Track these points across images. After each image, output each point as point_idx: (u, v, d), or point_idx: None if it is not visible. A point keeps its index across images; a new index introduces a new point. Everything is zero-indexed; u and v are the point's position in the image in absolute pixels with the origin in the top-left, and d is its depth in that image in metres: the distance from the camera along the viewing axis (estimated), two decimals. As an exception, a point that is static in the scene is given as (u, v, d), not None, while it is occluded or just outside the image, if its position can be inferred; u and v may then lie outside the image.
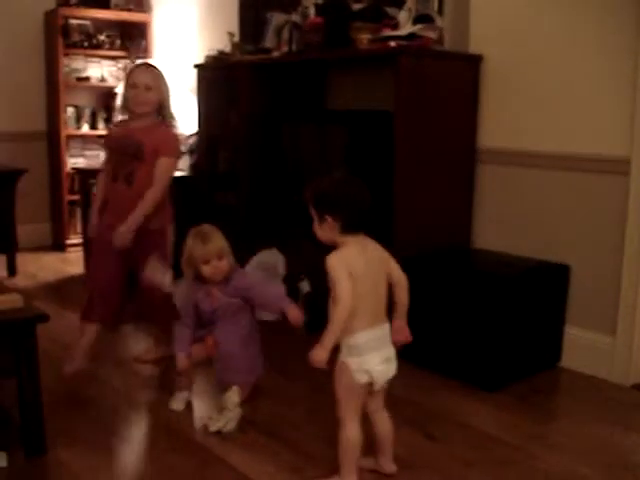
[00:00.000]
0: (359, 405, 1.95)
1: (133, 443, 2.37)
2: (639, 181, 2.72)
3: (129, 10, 5.40)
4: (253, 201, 3.87)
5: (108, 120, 5.33)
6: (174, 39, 5.21)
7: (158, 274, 2.63)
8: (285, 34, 3.64)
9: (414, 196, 3.06)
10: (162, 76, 2.74)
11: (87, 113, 5.40)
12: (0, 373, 2.19)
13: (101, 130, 5.32)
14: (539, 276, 2.91)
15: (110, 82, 5.37)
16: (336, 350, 1.90)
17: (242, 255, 2.57)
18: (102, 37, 5.36)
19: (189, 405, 2.60)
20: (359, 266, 1.88)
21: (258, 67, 3.78)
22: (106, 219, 2.73)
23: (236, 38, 4.21)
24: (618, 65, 2.74)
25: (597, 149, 2.85)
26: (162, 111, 2.73)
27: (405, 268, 2.03)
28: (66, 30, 5.13)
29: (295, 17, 3.63)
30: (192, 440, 2.35)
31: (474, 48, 3.22)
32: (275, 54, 3.71)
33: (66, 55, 5.15)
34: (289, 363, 2.96)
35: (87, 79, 5.31)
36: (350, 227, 1.91)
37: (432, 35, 3.07)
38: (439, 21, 3.15)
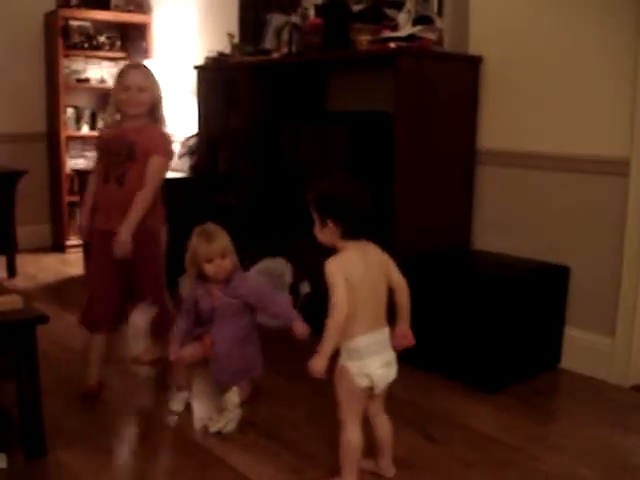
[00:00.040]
0: (360, 409, 1.95)
1: (133, 444, 2.37)
2: (639, 182, 2.72)
3: (129, 11, 5.40)
4: (253, 202, 3.87)
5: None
6: (174, 40, 5.21)
7: (143, 319, 2.65)
8: (285, 35, 3.64)
9: (414, 197, 3.06)
10: (154, 77, 2.71)
11: (87, 114, 5.40)
12: (0, 374, 2.19)
13: (101, 131, 5.32)
14: (539, 277, 2.91)
15: (110, 83, 5.34)
16: (336, 355, 1.91)
17: (242, 256, 2.56)
18: (102, 38, 5.36)
19: (188, 406, 2.60)
20: (359, 271, 1.88)
21: (258, 68, 3.78)
22: (97, 221, 2.70)
23: (236, 39, 4.21)
24: (618, 65, 2.74)
25: (597, 150, 2.85)
26: (154, 112, 2.70)
27: (405, 269, 2.04)
28: (66, 31, 5.13)
29: (295, 18, 3.63)
30: (192, 441, 2.35)
31: (474, 49, 3.23)
32: (275, 55, 3.71)
33: (66, 56, 5.15)
34: (289, 364, 2.96)
35: (87, 80, 5.32)
36: (351, 233, 1.91)
37: (432, 36, 3.07)
38: (439, 22, 3.15)
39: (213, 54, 4.10)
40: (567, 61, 2.91)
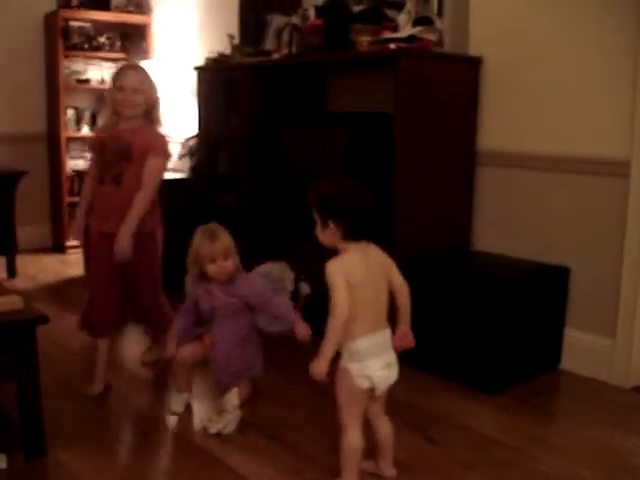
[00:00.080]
0: (360, 410, 1.95)
1: (132, 445, 2.37)
2: (639, 183, 2.72)
3: (129, 12, 5.40)
4: (253, 203, 3.87)
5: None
6: (174, 41, 5.22)
7: (135, 348, 2.64)
8: (285, 36, 3.64)
9: (414, 198, 3.06)
10: (149, 77, 2.70)
11: (87, 115, 5.40)
12: (0, 374, 2.19)
13: (101, 132, 5.32)
14: (539, 278, 2.91)
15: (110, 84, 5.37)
16: (337, 357, 1.90)
17: (242, 256, 2.56)
18: (102, 39, 5.36)
19: (188, 407, 2.60)
20: (359, 273, 1.88)
21: (258, 69, 3.78)
22: (94, 222, 2.70)
23: (236, 40, 4.21)
24: (618, 65, 2.74)
25: (597, 151, 2.85)
26: (150, 113, 2.69)
27: (405, 270, 2.03)
28: (66, 32, 5.13)
29: (295, 19, 3.63)
30: (192, 442, 2.35)
31: (474, 50, 3.23)
32: (275, 56, 3.71)
33: (66, 57, 5.15)
34: (288, 365, 2.96)
35: (87, 81, 5.32)
36: (353, 234, 1.90)
37: (432, 37, 3.07)
38: (439, 23, 3.15)
39: (213, 55, 4.10)
40: (567, 61, 2.91)
